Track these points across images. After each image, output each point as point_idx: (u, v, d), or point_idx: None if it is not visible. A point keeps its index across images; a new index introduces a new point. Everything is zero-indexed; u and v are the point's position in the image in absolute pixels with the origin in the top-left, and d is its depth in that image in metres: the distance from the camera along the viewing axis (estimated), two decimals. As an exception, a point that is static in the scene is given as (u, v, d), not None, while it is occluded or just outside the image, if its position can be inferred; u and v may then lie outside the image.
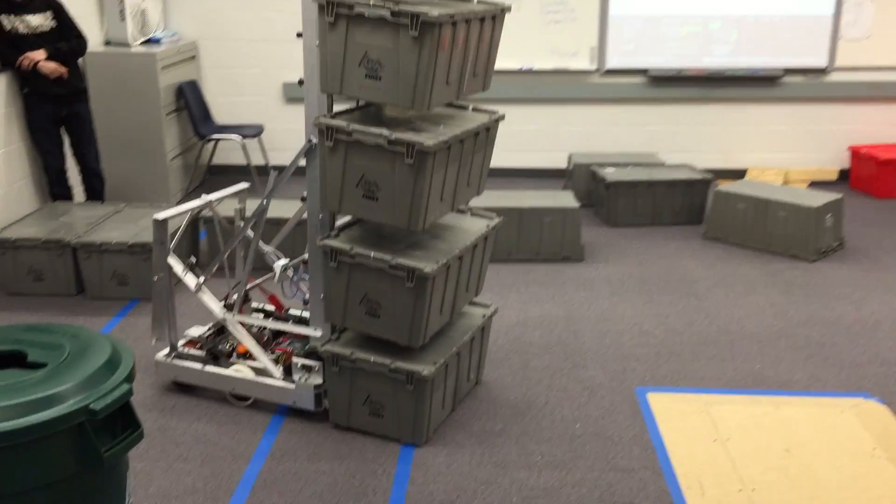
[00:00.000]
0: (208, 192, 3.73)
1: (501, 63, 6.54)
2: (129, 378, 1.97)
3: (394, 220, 2.83)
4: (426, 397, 2.98)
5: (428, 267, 2.81)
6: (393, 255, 2.86)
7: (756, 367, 3.68)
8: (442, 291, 3.01)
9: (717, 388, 3.49)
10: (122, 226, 4.58)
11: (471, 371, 3.40)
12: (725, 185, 5.39)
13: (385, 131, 2.74)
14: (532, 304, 4.35)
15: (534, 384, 3.52)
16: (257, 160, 6.53)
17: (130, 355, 2.03)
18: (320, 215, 3.06)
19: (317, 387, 3.16)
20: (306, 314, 3.54)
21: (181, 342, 3.48)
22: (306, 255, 3.23)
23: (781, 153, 6.66)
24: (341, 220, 3.18)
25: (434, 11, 2.59)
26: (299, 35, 2.95)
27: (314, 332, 3.20)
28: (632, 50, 6.45)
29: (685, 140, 6.62)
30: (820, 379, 3.57)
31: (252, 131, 6.32)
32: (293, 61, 6.58)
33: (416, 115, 3.09)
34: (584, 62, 6.48)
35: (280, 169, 3.19)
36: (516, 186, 6.35)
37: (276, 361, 3.29)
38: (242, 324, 3.38)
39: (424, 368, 2.93)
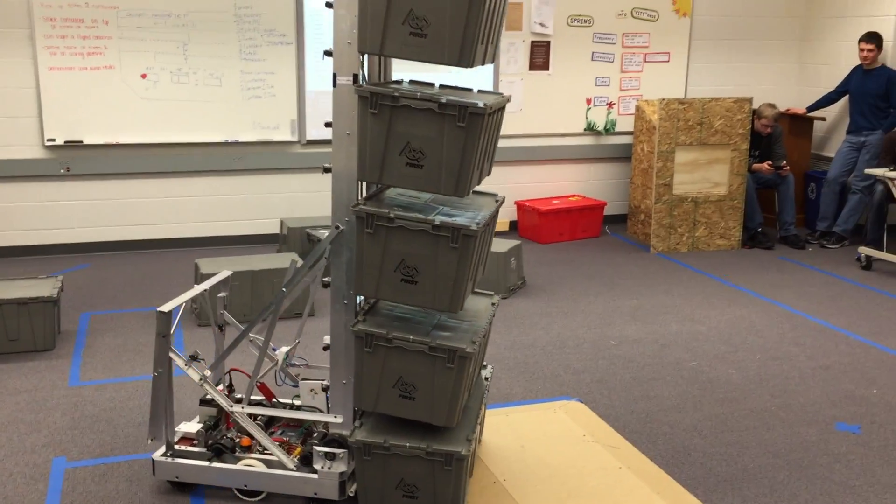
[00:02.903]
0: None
1: (207, 136, 6.83)
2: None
3: (433, 303, 2.85)
4: (463, 476, 2.96)
5: (469, 347, 2.86)
6: (431, 338, 2.89)
7: (481, 387, 4.35)
8: (472, 370, 3.07)
9: (456, 408, 4.08)
10: None
11: (479, 439, 3.49)
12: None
13: (429, 217, 2.78)
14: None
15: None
16: (-57, 244, 6.04)
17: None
18: (345, 300, 3.01)
19: (340, 474, 3.07)
20: (297, 402, 3.43)
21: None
22: (297, 341, 3.19)
23: (462, 209, 7.64)
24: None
25: (479, 102, 2.69)
26: (328, 125, 2.92)
27: (335, 419, 3.11)
28: (328, 122, 7.05)
29: (382, 202, 7.34)
30: (532, 390, 4.32)
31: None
32: (-21, 137, 6.23)
33: (431, 199, 3.15)
34: (286, 134, 6.95)
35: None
36: (234, 252, 6.59)
37: None
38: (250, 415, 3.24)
39: (462, 448, 2.93)
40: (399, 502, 3.02)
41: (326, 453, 3.05)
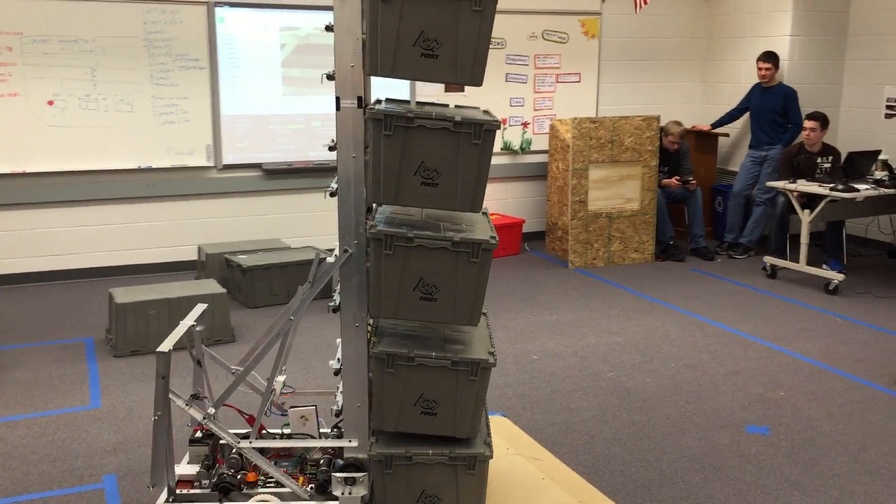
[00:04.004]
0: None
1: (119, 163, 6.69)
2: None
3: (454, 318, 2.88)
4: (486, 480, 3.00)
5: (491, 358, 2.91)
6: (453, 353, 2.91)
7: (406, 406, 4.37)
8: None
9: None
10: None
11: None
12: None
13: (448, 234, 2.81)
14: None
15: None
16: None
17: None
18: (356, 324, 2.96)
19: (361, 498, 3.01)
20: (286, 430, 3.32)
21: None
22: (284, 368, 3.08)
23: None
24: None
25: (490, 118, 2.75)
26: (332, 148, 2.84)
27: (350, 443, 3.03)
28: (245, 146, 7.01)
29: (302, 225, 7.31)
30: (456, 407, 4.37)
31: None
32: None
33: (425, 215, 3.12)
34: (201, 159, 6.87)
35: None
36: (150, 280, 6.46)
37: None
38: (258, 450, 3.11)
39: (485, 449, 2.97)
40: None
41: (346, 479, 3.00)
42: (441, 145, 2.75)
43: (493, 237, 2.86)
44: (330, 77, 2.87)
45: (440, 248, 2.81)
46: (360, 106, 2.82)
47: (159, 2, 6.54)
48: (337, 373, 3.07)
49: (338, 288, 3.13)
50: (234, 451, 3.20)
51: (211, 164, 6.91)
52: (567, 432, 4.08)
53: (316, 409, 3.26)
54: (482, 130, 2.74)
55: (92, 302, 6.15)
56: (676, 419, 4.24)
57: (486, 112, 3.13)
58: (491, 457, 2.98)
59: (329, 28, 2.86)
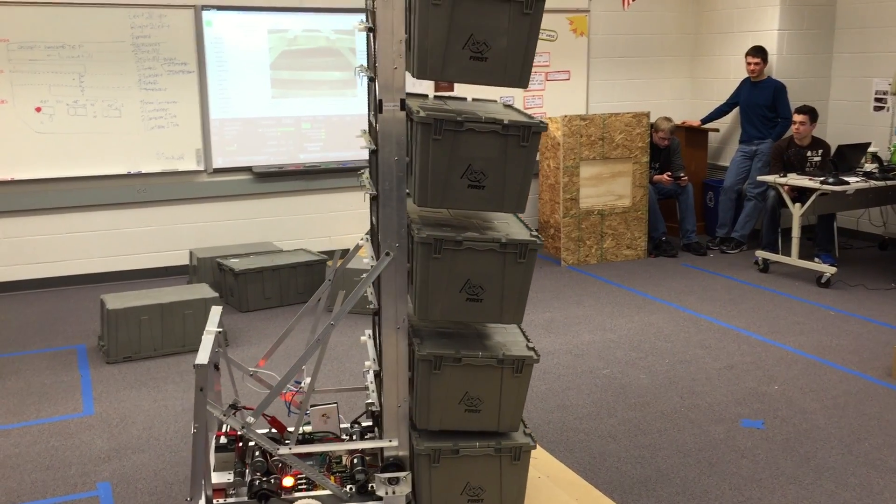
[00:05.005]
0: None
1: (108, 169, 6.67)
2: None
3: (500, 317, 2.93)
4: (528, 468, 3.07)
5: (534, 355, 2.99)
6: (498, 351, 2.97)
7: (401, 407, 4.35)
8: None
9: (376, 430, 4.08)
10: None
11: None
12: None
13: (495, 235, 2.86)
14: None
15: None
16: None
17: None
18: (397, 326, 2.97)
19: (406, 496, 3.03)
20: (307, 428, 3.31)
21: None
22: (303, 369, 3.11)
23: (375, 232, 7.66)
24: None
25: (535, 121, 2.79)
26: (374, 151, 2.83)
27: (390, 443, 3.05)
28: (235, 150, 6.99)
29: (294, 227, 7.30)
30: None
31: None
32: None
33: (454, 215, 3.16)
34: (191, 163, 6.85)
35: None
36: (142, 286, 6.43)
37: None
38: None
39: (529, 440, 3.05)
40: None
41: (390, 479, 3.02)
42: (489, 148, 2.78)
43: (537, 237, 2.90)
44: (371, 80, 2.83)
45: (488, 249, 2.85)
46: (402, 108, 2.82)
47: (146, 6, 6.52)
48: (377, 374, 3.07)
49: (369, 287, 3.15)
50: (257, 454, 3.17)
51: (201, 168, 6.89)
52: (562, 430, 4.07)
53: (337, 406, 3.27)
54: (530, 133, 2.78)
55: (83, 308, 6.12)
56: (671, 415, 4.24)
57: (507, 106, 3.15)
58: (535, 447, 3.06)
59: (370, 30, 2.83)
